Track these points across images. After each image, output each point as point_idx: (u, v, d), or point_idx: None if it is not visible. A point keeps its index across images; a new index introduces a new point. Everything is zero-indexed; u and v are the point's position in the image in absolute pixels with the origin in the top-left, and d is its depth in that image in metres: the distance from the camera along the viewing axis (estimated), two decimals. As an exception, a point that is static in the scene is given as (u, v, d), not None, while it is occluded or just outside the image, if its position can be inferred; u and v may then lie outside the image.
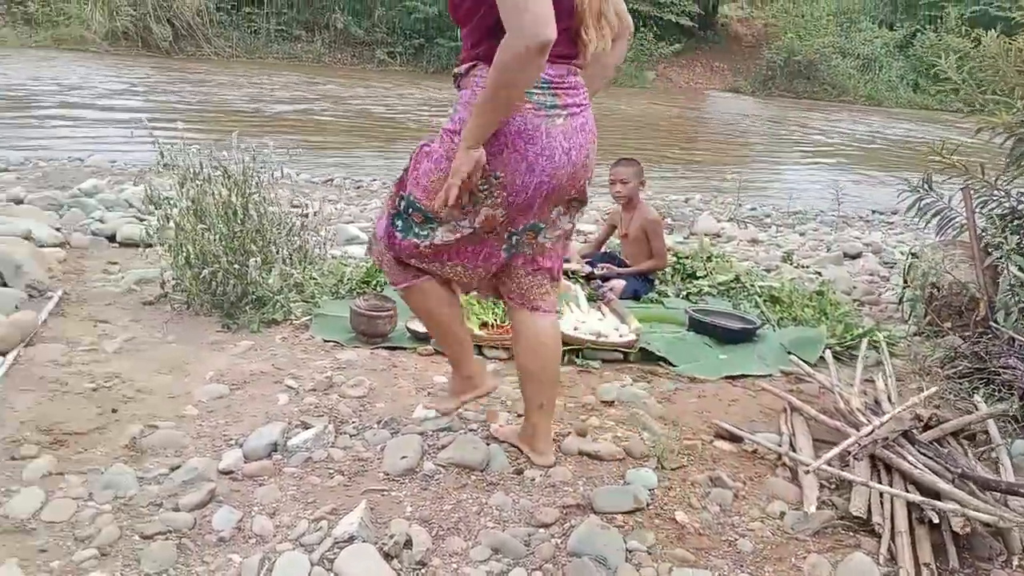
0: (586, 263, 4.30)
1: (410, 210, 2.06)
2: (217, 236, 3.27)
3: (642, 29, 23.50)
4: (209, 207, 3.35)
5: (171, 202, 3.42)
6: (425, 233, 2.06)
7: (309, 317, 3.34)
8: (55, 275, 3.65)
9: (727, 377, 3.20)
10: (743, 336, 3.54)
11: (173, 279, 3.40)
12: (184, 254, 3.32)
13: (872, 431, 2.37)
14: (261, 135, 5.82)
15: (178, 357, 2.90)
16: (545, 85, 1.94)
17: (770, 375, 3.26)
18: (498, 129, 1.90)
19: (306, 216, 3.86)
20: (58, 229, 4.37)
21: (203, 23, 18.33)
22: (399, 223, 2.10)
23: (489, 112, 1.85)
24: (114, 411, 2.47)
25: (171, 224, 3.36)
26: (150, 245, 3.76)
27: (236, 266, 3.26)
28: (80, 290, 3.50)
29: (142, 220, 4.73)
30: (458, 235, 2.04)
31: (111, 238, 4.51)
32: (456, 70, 2.03)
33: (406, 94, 16.05)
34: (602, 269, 4.16)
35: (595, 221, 6.25)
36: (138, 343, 3.00)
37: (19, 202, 5.57)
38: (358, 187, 8.09)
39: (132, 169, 7.52)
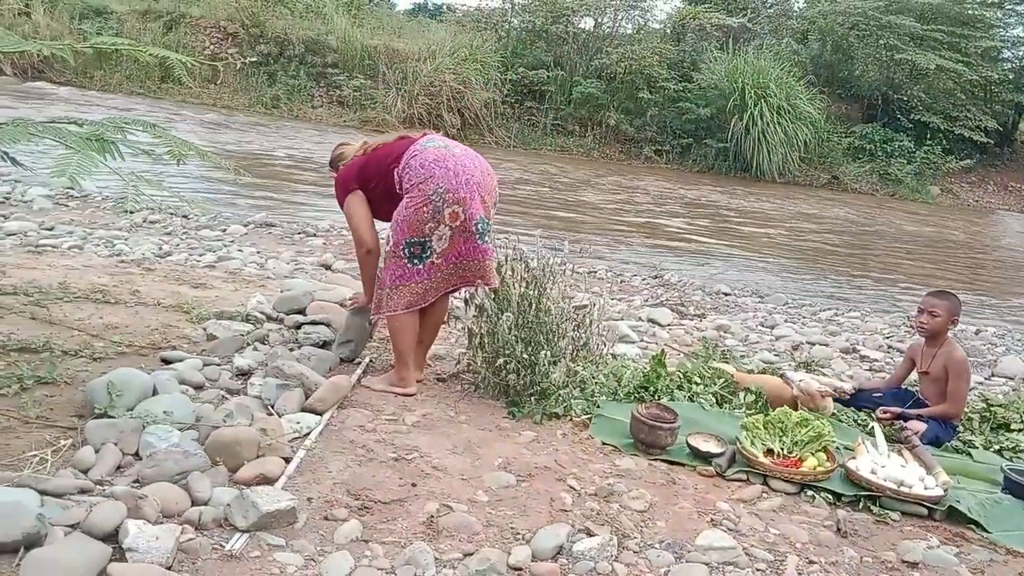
0: (875, 395, 4.00)
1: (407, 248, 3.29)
2: (511, 325, 3.41)
3: (929, 142, 22.00)
4: (507, 296, 3.51)
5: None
6: (427, 254, 3.29)
7: (588, 416, 3.36)
8: (362, 342, 3.98)
9: (1053, 555, 2.78)
10: (1073, 509, 3.06)
11: (468, 360, 3.57)
12: (479, 338, 3.49)
13: None
14: (534, 221, 5.99)
15: (469, 439, 3.03)
16: (440, 140, 3.42)
17: (1106, 560, 2.78)
18: (424, 162, 3.26)
19: (581, 308, 3.93)
20: (365, 298, 4.78)
21: (489, 115, 19.82)
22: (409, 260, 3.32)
23: (364, 278, 3.60)
24: (413, 485, 2.61)
25: (471, 308, 3.56)
26: (445, 323, 4.01)
27: (526, 356, 3.37)
28: (383, 360, 3.79)
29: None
30: (444, 241, 3.28)
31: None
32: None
33: (669, 191, 16.15)
34: (885, 412, 3.81)
35: (877, 347, 5.79)
36: (433, 419, 3.17)
37: (328, 267, 6.21)
38: (620, 280, 8.14)
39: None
